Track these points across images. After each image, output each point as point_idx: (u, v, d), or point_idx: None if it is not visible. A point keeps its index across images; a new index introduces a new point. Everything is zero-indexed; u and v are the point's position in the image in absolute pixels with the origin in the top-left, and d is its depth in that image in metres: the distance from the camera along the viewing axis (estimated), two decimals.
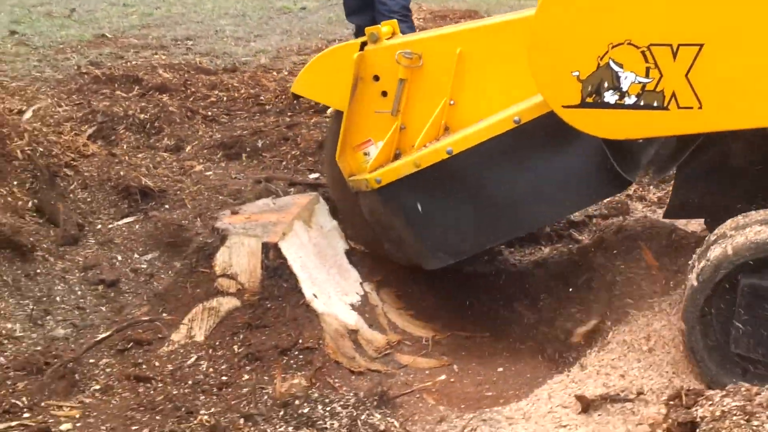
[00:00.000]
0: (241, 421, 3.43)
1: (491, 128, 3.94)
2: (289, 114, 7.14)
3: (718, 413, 2.73)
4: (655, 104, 3.42)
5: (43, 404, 3.70)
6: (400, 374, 4.06)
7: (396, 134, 4.25)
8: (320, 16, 12.30)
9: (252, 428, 3.37)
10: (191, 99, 7.54)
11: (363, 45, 4.30)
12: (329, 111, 7.09)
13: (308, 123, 6.82)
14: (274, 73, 8.62)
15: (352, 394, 3.60)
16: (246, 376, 3.90)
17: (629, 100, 3.46)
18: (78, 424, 3.59)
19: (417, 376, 4.06)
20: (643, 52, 3.38)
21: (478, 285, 4.73)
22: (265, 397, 3.73)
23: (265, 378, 3.87)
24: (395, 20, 4.50)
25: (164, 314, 4.27)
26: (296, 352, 3.96)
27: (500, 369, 4.16)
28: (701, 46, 3.27)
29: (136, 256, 5.25)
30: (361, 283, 4.51)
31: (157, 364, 4.04)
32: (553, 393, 3.64)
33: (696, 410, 2.83)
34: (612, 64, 3.43)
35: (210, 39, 10.55)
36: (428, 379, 4.05)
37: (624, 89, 3.45)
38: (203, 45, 10.18)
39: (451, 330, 4.46)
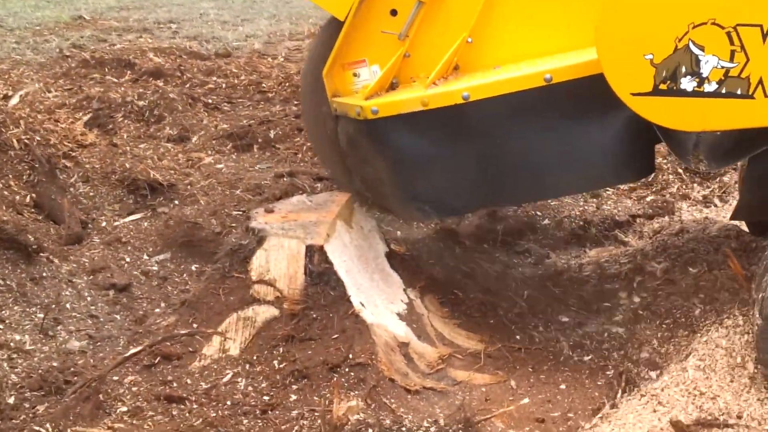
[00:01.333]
0: None
1: (517, 81, 3.60)
2: (296, 103, 6.72)
3: None
4: (739, 92, 3.15)
5: (69, 431, 3.29)
6: (457, 393, 3.71)
7: (399, 61, 3.84)
8: None
9: None
10: (188, 85, 7.09)
11: None
12: None
13: None
14: (270, 59, 8.19)
15: (431, 421, 3.26)
16: (293, 397, 3.52)
17: (709, 87, 3.18)
18: None
19: (474, 395, 3.71)
20: (728, 34, 3.10)
21: (526, 289, 4.37)
22: (319, 421, 3.36)
23: (315, 398, 3.50)
24: None
25: (195, 325, 3.86)
26: (347, 369, 3.59)
27: (562, 386, 3.82)
28: None
29: (145, 257, 4.84)
30: (404, 290, 4.14)
31: (189, 381, 3.66)
32: (641, 416, 3.31)
33: None
34: (692, 47, 3.15)
35: (195, 22, 10.06)
36: (485, 397, 3.71)
37: (704, 75, 3.17)
38: (189, 28, 9.70)
39: (501, 340, 4.11)
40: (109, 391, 3.57)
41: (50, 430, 3.27)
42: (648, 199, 5.08)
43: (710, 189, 5.04)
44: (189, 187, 5.33)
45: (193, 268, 4.74)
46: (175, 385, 3.63)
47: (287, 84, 7.13)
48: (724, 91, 3.15)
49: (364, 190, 4.10)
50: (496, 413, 3.42)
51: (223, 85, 7.22)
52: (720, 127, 3.33)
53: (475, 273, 4.38)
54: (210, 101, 6.78)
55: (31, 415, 3.35)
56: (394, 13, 3.82)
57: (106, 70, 7.34)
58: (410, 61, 3.84)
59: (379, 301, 3.96)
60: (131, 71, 7.30)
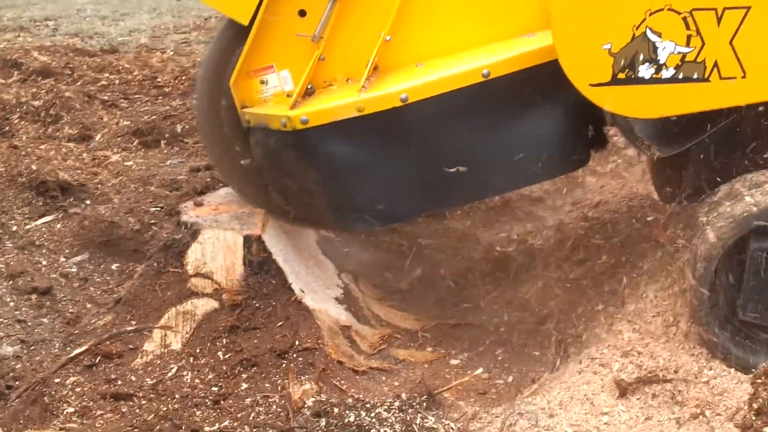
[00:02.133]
0: None
1: (455, 78, 3.53)
2: (195, 96, 6.64)
3: None
4: (696, 76, 3.23)
5: None
6: (401, 371, 3.80)
7: (315, 65, 3.66)
8: None
9: None
10: (80, 83, 6.92)
11: None
12: None
13: None
14: (159, 53, 8.08)
15: (394, 396, 3.33)
16: (245, 385, 3.53)
17: (666, 74, 3.25)
18: None
19: (418, 372, 3.80)
20: (684, 19, 3.18)
21: (455, 267, 4.48)
22: (274, 407, 3.39)
23: (267, 385, 3.52)
24: None
25: (134, 322, 3.82)
26: (295, 355, 3.62)
27: (500, 358, 3.95)
28: (748, 9, 3.11)
29: (62, 259, 4.70)
30: (338, 275, 4.20)
31: (133, 378, 3.63)
32: (583, 378, 3.46)
33: None
34: (649, 34, 3.21)
35: (72, 18, 9.82)
36: (429, 373, 3.81)
37: (661, 61, 3.23)
38: (67, 25, 9.46)
39: (436, 318, 4.22)
40: (53, 393, 3.51)
41: None
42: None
43: (616, 163, 5.23)
44: (99, 186, 5.21)
45: (114, 267, 4.65)
46: (119, 383, 3.60)
47: (183, 77, 7.05)
48: (681, 76, 3.23)
49: (283, 204, 3.91)
50: (452, 385, 3.50)
51: (117, 82, 7.07)
52: (677, 111, 3.36)
53: (403, 254, 4.46)
54: (106, 98, 6.64)
55: None
56: (302, 13, 3.67)
57: None
58: (325, 64, 3.69)
59: (317, 287, 4.01)
60: (18, 71, 7.05)
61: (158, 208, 4.90)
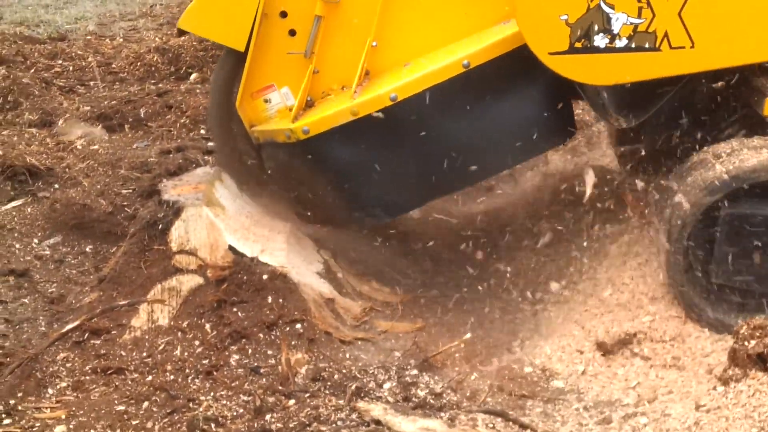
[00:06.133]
0: (282, 398, 3.16)
1: (438, 73, 3.74)
2: (152, 81, 6.67)
3: None
4: (647, 45, 3.44)
5: (19, 407, 3.27)
6: (385, 341, 3.90)
7: (311, 78, 3.94)
8: None
9: (300, 405, 3.10)
10: (33, 70, 6.88)
11: None
12: (192, 77, 6.74)
13: (180, 89, 6.40)
14: (109, 41, 8.04)
15: (386, 362, 3.42)
16: (235, 356, 3.60)
17: (620, 43, 3.45)
18: (71, 426, 3.19)
19: (402, 341, 3.91)
20: None
21: (426, 241, 4.61)
22: (263, 380, 3.47)
23: (257, 356, 3.60)
24: None
25: (120, 300, 3.86)
26: (283, 326, 3.71)
27: (480, 324, 4.08)
28: None
29: (35, 242, 4.72)
30: (318, 251, 4.28)
31: (123, 353, 3.68)
32: (565, 340, 3.62)
33: None
34: (603, 6, 3.42)
35: (15, 7, 9.69)
36: (411, 342, 3.91)
37: (615, 31, 3.44)
38: (10, 14, 9.35)
39: (411, 291, 4.34)
40: (44, 369, 3.55)
41: (2, 408, 3.22)
42: None
43: (578, 140, 5.41)
44: (67, 170, 5.22)
45: (88, 249, 4.68)
46: (110, 357, 3.63)
47: (138, 63, 7.04)
48: (633, 45, 3.43)
49: (303, 210, 4.19)
50: (442, 350, 3.62)
51: (71, 68, 7.06)
52: (631, 79, 3.55)
53: (378, 231, 4.56)
54: (62, 84, 6.62)
55: None
56: (292, 33, 3.95)
57: None
58: (320, 76, 3.97)
59: (299, 261, 4.08)
60: None
61: (130, 190, 4.92)
